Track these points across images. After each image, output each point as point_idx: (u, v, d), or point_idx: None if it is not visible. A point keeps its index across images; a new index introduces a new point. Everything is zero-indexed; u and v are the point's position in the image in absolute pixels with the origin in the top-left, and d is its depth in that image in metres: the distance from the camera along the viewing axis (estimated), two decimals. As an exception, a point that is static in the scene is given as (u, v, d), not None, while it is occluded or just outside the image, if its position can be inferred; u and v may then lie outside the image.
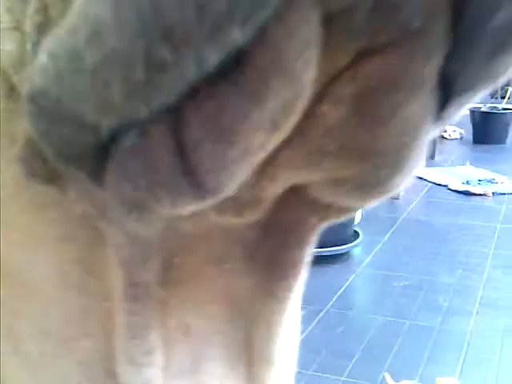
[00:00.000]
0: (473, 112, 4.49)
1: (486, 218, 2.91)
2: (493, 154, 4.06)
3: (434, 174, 3.51)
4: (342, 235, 2.44)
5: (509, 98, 4.87)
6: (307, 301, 1.82)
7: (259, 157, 0.19)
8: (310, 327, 1.93)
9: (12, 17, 0.22)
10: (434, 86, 0.19)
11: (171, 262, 0.25)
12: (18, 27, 0.22)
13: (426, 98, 0.20)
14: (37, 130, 0.20)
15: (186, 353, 0.27)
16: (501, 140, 4.26)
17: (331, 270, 2.35)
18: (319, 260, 2.24)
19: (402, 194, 2.97)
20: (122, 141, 0.18)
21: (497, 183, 3.43)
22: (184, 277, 0.26)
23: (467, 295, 2.16)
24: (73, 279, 0.25)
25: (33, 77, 0.19)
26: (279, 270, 0.27)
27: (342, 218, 0.26)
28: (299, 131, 0.19)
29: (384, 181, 0.22)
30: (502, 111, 4.49)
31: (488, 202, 3.18)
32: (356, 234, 2.53)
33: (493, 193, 3.27)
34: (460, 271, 2.35)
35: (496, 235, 2.71)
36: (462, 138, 4.76)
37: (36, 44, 0.20)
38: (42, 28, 0.20)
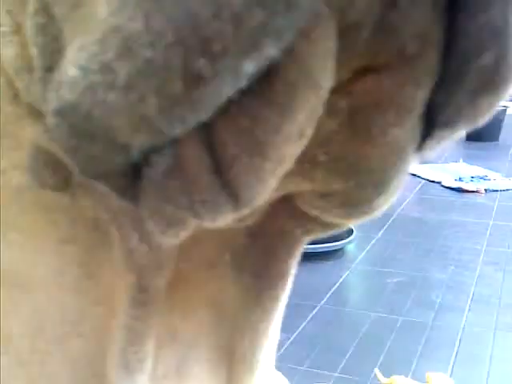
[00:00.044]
0: (466, 109, 4.47)
1: (479, 215, 2.92)
2: (486, 151, 4.07)
3: (427, 171, 3.51)
4: (336, 232, 2.43)
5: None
6: (301, 297, 1.81)
7: (288, 166, 0.19)
8: (303, 323, 1.94)
9: (12, 20, 0.22)
10: (420, 113, 0.20)
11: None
12: (18, 31, 0.22)
13: (413, 123, 0.21)
14: (63, 145, 0.19)
15: (171, 356, 0.27)
16: (494, 137, 4.27)
17: (325, 266, 2.35)
18: (313, 256, 2.24)
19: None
20: (154, 161, 0.18)
21: (489, 180, 3.43)
22: (175, 281, 0.26)
23: (459, 292, 2.17)
24: (71, 281, 0.25)
25: (60, 91, 0.18)
26: (268, 280, 0.28)
27: (327, 233, 0.27)
28: None
29: (368, 199, 0.23)
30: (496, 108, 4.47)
31: (481, 198, 3.19)
32: (350, 231, 2.53)
33: (485, 189, 3.28)
34: (452, 268, 2.36)
35: (488, 232, 2.72)
36: (455, 134, 4.74)
37: (42, 47, 0.20)
38: (44, 29, 0.20)
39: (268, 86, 0.17)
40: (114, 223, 0.23)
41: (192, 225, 0.20)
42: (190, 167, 0.18)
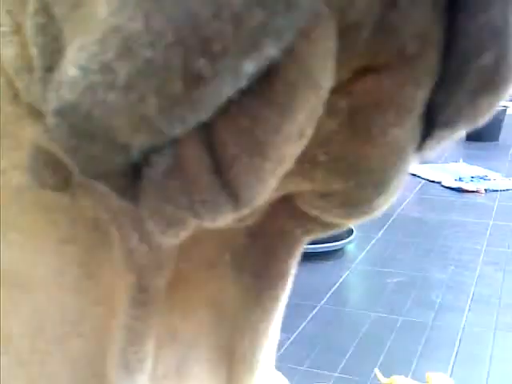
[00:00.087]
0: (466, 109, 4.47)
1: (479, 215, 2.92)
2: (486, 151, 4.07)
3: (428, 171, 3.51)
4: (336, 232, 2.43)
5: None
6: (301, 297, 1.81)
7: (288, 166, 0.19)
8: (303, 323, 1.94)
9: (12, 20, 0.22)
10: (420, 113, 0.20)
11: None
12: (18, 31, 0.21)
13: (413, 123, 0.21)
14: (63, 145, 0.19)
15: (171, 356, 0.27)
16: (494, 137, 4.27)
17: (325, 266, 2.35)
18: (313, 256, 2.24)
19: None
20: (154, 161, 0.18)
21: (489, 180, 3.43)
22: (175, 281, 0.26)
23: (459, 292, 2.17)
24: (71, 281, 0.25)
25: (60, 91, 0.18)
26: (268, 280, 0.28)
27: (327, 233, 0.27)
28: None
29: (368, 199, 0.23)
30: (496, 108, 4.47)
31: (481, 198, 3.19)
32: (350, 231, 2.53)
33: (485, 189, 3.28)
34: (452, 268, 2.36)
35: (488, 232, 2.72)
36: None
37: (42, 47, 0.20)
38: (44, 29, 0.20)
39: (268, 85, 0.17)
40: (113, 223, 0.23)
41: (192, 225, 0.20)
42: (189, 167, 0.18)
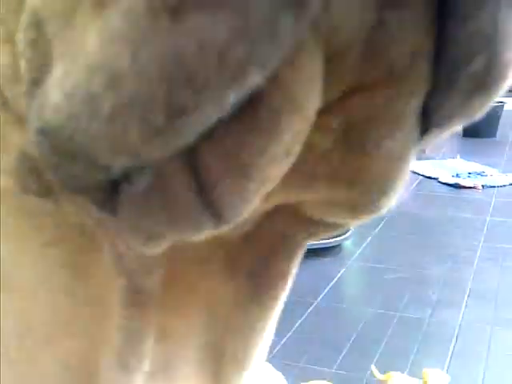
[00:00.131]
0: (463, 105, 4.48)
1: (476, 211, 2.92)
2: (483, 147, 4.07)
3: (425, 167, 3.51)
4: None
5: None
6: (298, 293, 1.82)
7: (275, 184, 0.19)
8: (300, 320, 1.94)
9: (4, 28, 0.21)
10: (416, 119, 0.21)
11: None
12: (10, 40, 0.21)
13: (409, 130, 0.21)
14: (45, 162, 0.19)
15: (160, 354, 0.27)
16: (491, 133, 4.27)
17: (322, 262, 2.35)
18: (310, 253, 2.24)
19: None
20: (135, 179, 0.18)
21: (487, 176, 3.44)
22: (168, 280, 0.26)
23: (457, 287, 2.17)
24: (59, 283, 0.25)
25: (44, 113, 0.18)
26: (268, 280, 0.28)
27: (330, 234, 0.27)
28: None
29: (372, 203, 0.23)
30: (493, 104, 4.49)
31: (478, 194, 3.19)
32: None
33: (482, 185, 3.28)
34: (449, 264, 2.36)
35: (486, 228, 2.72)
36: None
37: (30, 62, 0.20)
38: (35, 44, 0.20)
39: (252, 112, 0.17)
40: (99, 229, 0.23)
41: (172, 238, 0.20)
42: (171, 186, 0.18)
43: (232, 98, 0.16)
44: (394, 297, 2.10)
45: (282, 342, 1.79)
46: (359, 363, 1.70)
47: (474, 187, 3.26)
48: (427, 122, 0.21)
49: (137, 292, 0.24)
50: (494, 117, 4.17)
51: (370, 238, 2.60)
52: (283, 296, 0.29)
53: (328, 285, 2.19)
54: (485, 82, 0.20)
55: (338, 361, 1.73)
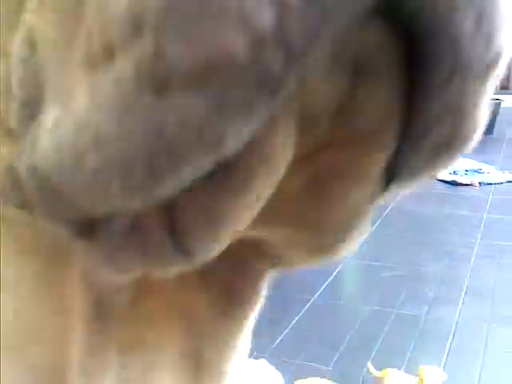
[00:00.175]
0: (460, 102, 4.49)
1: (473, 208, 2.93)
2: (480, 144, 4.02)
3: (422, 164, 3.52)
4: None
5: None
6: (295, 290, 1.81)
7: (245, 225, 0.21)
8: (297, 317, 1.94)
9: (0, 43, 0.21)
10: (381, 173, 0.22)
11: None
12: (5, 54, 0.21)
13: (374, 183, 0.22)
14: (29, 192, 0.20)
15: (136, 362, 0.27)
16: (488, 130, 4.28)
17: (319, 259, 2.35)
18: (307, 250, 2.24)
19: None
20: (111, 219, 0.19)
21: (483, 173, 3.44)
22: (142, 292, 0.26)
23: (453, 285, 2.18)
24: (29, 291, 0.25)
25: (34, 155, 0.19)
26: (236, 298, 0.29)
27: (292, 269, 0.29)
28: None
29: (331, 246, 0.24)
30: (490, 101, 4.49)
31: (475, 191, 3.20)
32: (344, 224, 2.54)
33: (479, 183, 3.29)
34: (446, 261, 2.37)
35: (482, 225, 2.72)
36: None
37: (21, 79, 0.20)
38: (26, 62, 0.20)
39: (229, 173, 0.18)
40: (72, 247, 0.23)
41: (141, 272, 0.22)
42: (146, 231, 0.20)
43: (210, 163, 0.17)
44: (390, 294, 2.10)
45: (279, 339, 1.79)
46: (356, 360, 1.71)
47: (471, 184, 3.27)
48: (392, 175, 0.22)
49: (103, 307, 0.25)
50: (491, 114, 4.17)
51: (366, 236, 2.60)
52: (252, 316, 0.30)
53: (325, 282, 2.19)
54: (452, 144, 0.21)
55: (335, 358, 1.73)
